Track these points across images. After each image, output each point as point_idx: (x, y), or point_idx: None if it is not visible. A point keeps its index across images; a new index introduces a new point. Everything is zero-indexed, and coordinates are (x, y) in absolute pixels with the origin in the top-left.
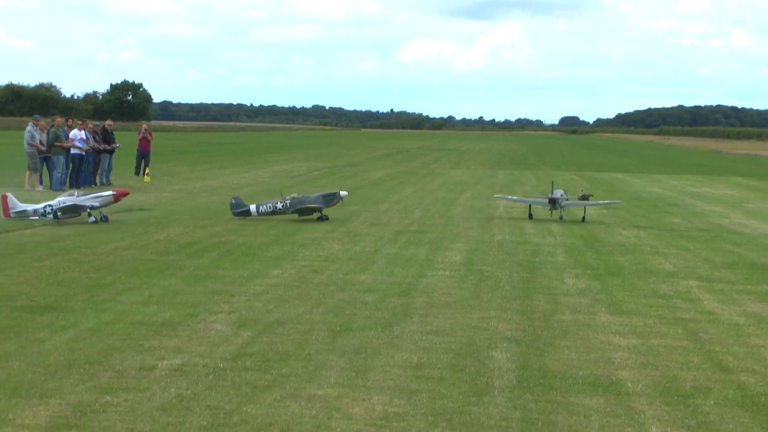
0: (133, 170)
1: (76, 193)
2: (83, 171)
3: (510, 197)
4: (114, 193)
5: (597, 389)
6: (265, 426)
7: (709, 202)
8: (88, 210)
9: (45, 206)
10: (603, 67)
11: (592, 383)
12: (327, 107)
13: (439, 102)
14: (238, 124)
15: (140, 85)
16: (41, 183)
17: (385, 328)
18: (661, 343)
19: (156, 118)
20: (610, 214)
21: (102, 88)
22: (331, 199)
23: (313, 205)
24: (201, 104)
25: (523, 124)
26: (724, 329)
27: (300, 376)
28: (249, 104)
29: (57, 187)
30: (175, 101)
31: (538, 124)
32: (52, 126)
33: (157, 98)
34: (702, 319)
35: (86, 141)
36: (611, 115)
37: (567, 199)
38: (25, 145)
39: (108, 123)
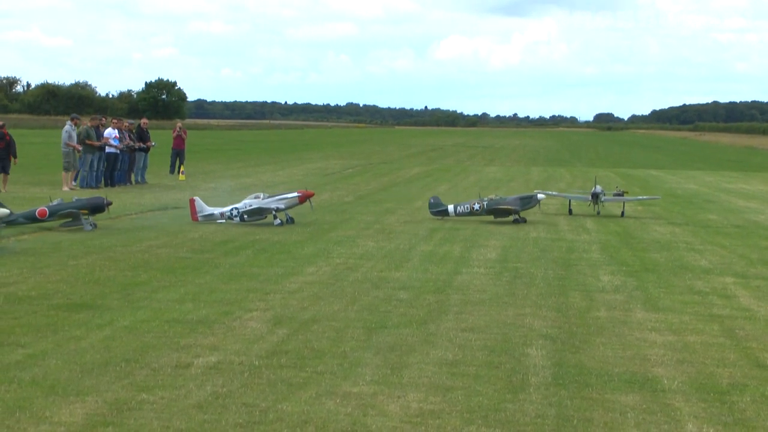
0: (168, 168)
1: (261, 195)
2: (118, 169)
3: (550, 192)
4: (299, 194)
5: (633, 386)
6: (300, 423)
7: (745, 198)
8: (274, 212)
9: (231, 209)
10: (638, 64)
11: (627, 380)
12: (361, 105)
13: (473, 99)
14: (272, 122)
15: (175, 84)
16: (75, 181)
17: (420, 326)
18: (697, 340)
19: (190, 117)
20: (645, 211)
21: (137, 86)
22: (528, 201)
23: (509, 207)
24: (235, 102)
25: (557, 121)
26: (761, 326)
27: (335, 373)
28: (283, 102)
29: (85, 185)
30: (209, 99)
31: (572, 121)
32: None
33: (191, 97)
34: (738, 316)
35: (121, 140)
36: (646, 112)
37: (605, 195)
38: (62, 145)
39: (143, 121)
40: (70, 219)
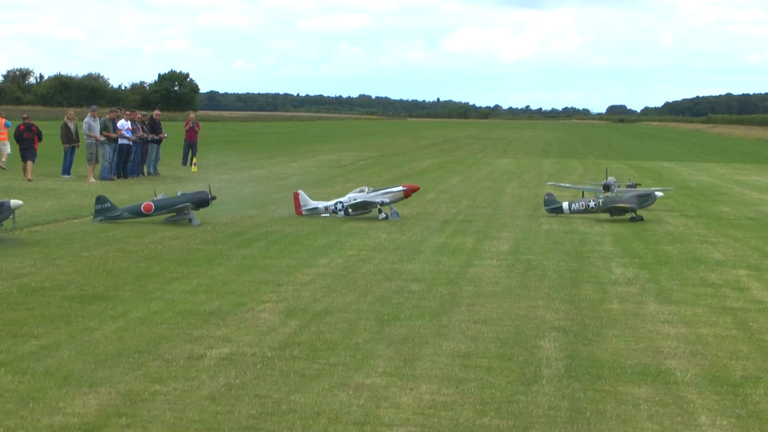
0: (181, 160)
1: (366, 189)
2: (131, 161)
3: (563, 184)
4: (404, 188)
5: (646, 378)
6: (313, 415)
7: (758, 190)
8: (379, 206)
9: (336, 203)
10: (651, 56)
11: (640, 372)
12: (373, 97)
13: (485, 91)
14: (284, 114)
15: (187, 75)
16: (64, 172)
17: (433, 318)
18: (710, 333)
19: (203, 108)
20: (658, 203)
21: (149, 78)
22: (646, 199)
23: (625, 205)
24: (248, 94)
25: (570, 113)
26: None
27: (348, 365)
28: (296, 94)
29: (104, 176)
30: (222, 91)
31: (585, 113)
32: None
33: (204, 88)
34: (751, 308)
35: (133, 131)
36: (659, 104)
37: (618, 186)
38: (84, 137)
39: (156, 113)
40: (175, 214)
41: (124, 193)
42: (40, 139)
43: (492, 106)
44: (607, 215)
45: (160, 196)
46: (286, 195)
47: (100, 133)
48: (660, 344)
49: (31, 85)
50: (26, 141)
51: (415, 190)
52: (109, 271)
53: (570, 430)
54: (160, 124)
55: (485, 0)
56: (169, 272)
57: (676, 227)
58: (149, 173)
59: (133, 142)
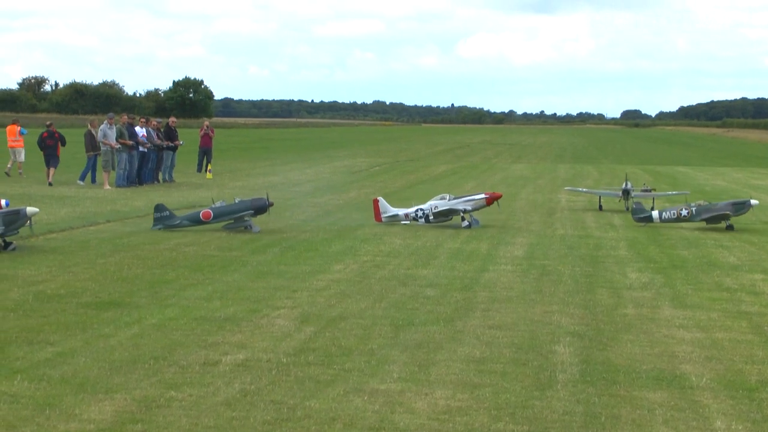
0: (195, 167)
1: (447, 197)
2: (146, 168)
3: (580, 189)
4: (487, 195)
5: (661, 383)
6: (328, 420)
7: None
8: (461, 214)
9: (416, 210)
10: (666, 60)
11: (655, 377)
12: (388, 103)
13: (500, 96)
14: (299, 120)
15: (202, 82)
16: (93, 180)
17: (448, 323)
18: (725, 337)
19: (218, 115)
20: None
21: (164, 85)
22: (741, 207)
23: (722, 213)
24: (262, 101)
25: (584, 118)
26: None
27: (363, 370)
28: (310, 100)
29: (119, 183)
30: (236, 98)
31: (599, 118)
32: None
33: (218, 95)
34: (767, 313)
35: (148, 138)
36: (674, 108)
37: (634, 190)
38: (99, 144)
39: (172, 120)
40: (232, 221)
41: (139, 200)
42: (63, 145)
43: (506, 111)
44: (689, 223)
45: (218, 204)
46: (300, 201)
47: (116, 141)
48: (675, 349)
49: (47, 93)
50: (49, 148)
51: (497, 198)
52: (125, 278)
53: None
54: (175, 132)
55: (499, 5)
56: (184, 279)
57: (691, 231)
58: (164, 180)
59: (148, 149)
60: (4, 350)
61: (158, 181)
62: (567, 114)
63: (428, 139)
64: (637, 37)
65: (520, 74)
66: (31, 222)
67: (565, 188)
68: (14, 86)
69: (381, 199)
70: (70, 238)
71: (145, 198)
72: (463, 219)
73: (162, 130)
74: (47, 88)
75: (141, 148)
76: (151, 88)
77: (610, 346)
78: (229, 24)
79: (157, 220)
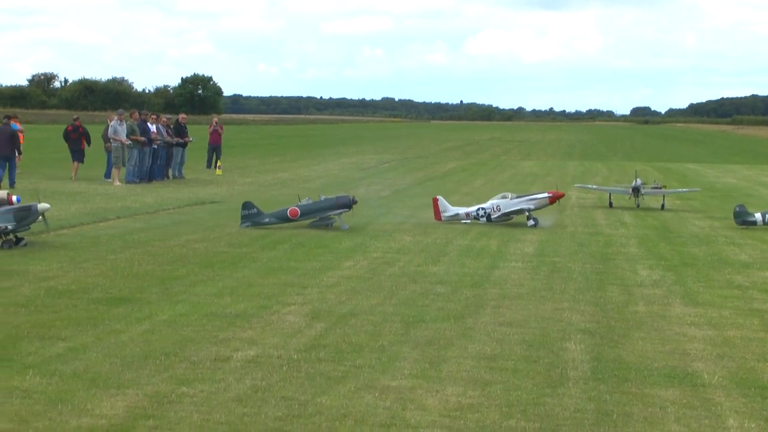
0: (205, 163)
1: (509, 195)
2: (156, 164)
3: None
4: (550, 194)
5: (673, 381)
6: (339, 417)
7: None
8: (526, 213)
9: (477, 209)
10: (675, 57)
11: (667, 375)
12: (396, 99)
13: (509, 93)
14: (308, 116)
15: (210, 79)
16: (108, 176)
17: (458, 320)
18: (737, 335)
19: (227, 112)
20: (683, 205)
21: (173, 82)
22: None
23: None
24: (271, 97)
25: (594, 115)
26: None
27: (374, 367)
28: (319, 97)
29: (129, 179)
30: (245, 95)
31: (609, 115)
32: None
33: (227, 92)
34: None
35: (158, 135)
36: (684, 105)
37: (644, 188)
38: (110, 140)
39: (182, 117)
40: (316, 219)
41: (150, 196)
42: (88, 141)
43: (515, 108)
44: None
45: (304, 201)
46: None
47: (127, 137)
48: (687, 346)
49: (56, 90)
50: (73, 141)
51: (560, 197)
52: (135, 274)
53: None
54: (185, 128)
55: (507, 2)
56: (194, 275)
57: (702, 229)
58: (174, 176)
59: (157, 145)
60: (16, 345)
61: (168, 177)
62: (576, 111)
63: (437, 136)
64: (647, 33)
65: (529, 71)
66: (45, 218)
67: (575, 185)
68: (24, 83)
69: (441, 198)
70: (81, 234)
71: (155, 194)
72: (528, 218)
73: (172, 126)
74: (57, 84)
75: (153, 145)
76: (160, 84)
77: (622, 344)
78: (238, 21)
79: (245, 218)
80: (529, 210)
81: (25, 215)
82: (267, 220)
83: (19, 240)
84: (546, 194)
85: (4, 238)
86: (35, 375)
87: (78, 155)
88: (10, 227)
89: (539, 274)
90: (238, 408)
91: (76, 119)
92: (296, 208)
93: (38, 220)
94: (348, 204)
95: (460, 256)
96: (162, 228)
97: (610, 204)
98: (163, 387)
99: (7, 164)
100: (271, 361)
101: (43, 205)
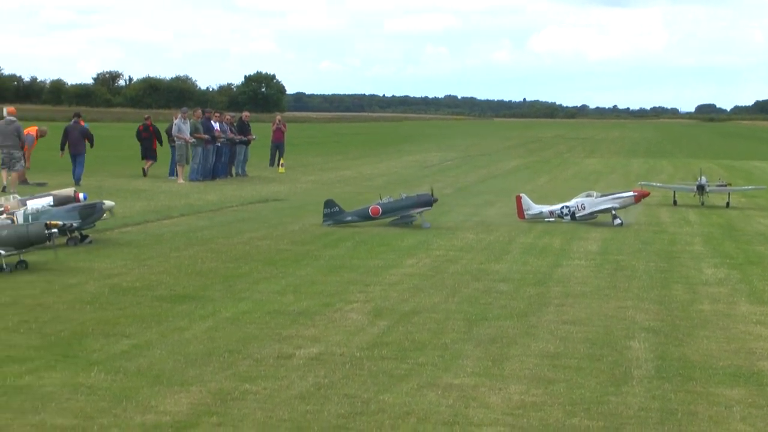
0: (268, 161)
1: (594, 194)
2: (220, 162)
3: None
4: (635, 193)
5: (738, 380)
6: (402, 415)
7: None
8: (612, 212)
9: (562, 207)
10: (741, 54)
11: (733, 374)
12: (459, 97)
13: (572, 91)
14: (370, 114)
15: (274, 77)
16: (172, 174)
17: (521, 318)
18: None
19: (290, 110)
20: (748, 203)
21: (236, 80)
22: None
23: None
24: (334, 95)
25: (658, 112)
26: None
27: (436, 365)
28: (382, 95)
29: (193, 177)
30: (308, 92)
31: (673, 112)
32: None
33: (290, 89)
34: None
35: (222, 132)
36: (749, 102)
37: (709, 186)
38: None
39: (245, 115)
40: (397, 217)
41: (213, 194)
42: (159, 140)
43: (579, 105)
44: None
45: (385, 200)
46: (372, 196)
47: (190, 135)
48: (752, 345)
49: (121, 88)
50: (144, 140)
51: (645, 195)
52: (199, 272)
53: (661, 431)
54: (248, 126)
55: None
56: (257, 272)
57: None
58: (237, 174)
59: (221, 143)
60: (82, 342)
61: (231, 175)
62: (640, 108)
63: (500, 133)
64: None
65: (593, 68)
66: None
67: (639, 183)
68: (89, 81)
69: (524, 196)
70: (145, 231)
71: (218, 192)
72: (615, 217)
73: (235, 124)
74: (121, 82)
75: (217, 143)
76: (224, 82)
77: (686, 342)
78: (302, 19)
79: (327, 216)
80: (614, 209)
81: (91, 212)
82: (349, 218)
83: (84, 237)
84: (631, 193)
85: (69, 236)
86: (100, 372)
87: (149, 153)
88: (75, 225)
89: (603, 272)
90: (301, 405)
91: (147, 119)
92: (378, 206)
93: (104, 217)
94: (429, 202)
95: (523, 253)
96: (225, 225)
97: (675, 202)
98: (227, 384)
99: (75, 161)
100: (334, 359)
101: (108, 203)
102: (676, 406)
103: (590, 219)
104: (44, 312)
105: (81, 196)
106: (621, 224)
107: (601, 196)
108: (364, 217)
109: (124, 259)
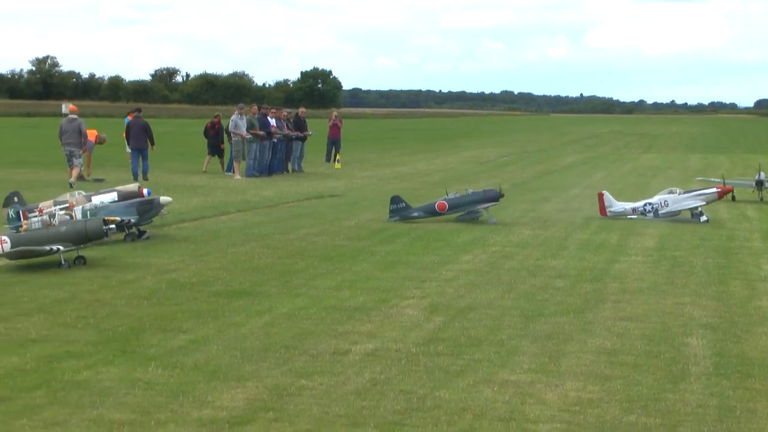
0: (324, 157)
1: (677, 191)
2: (276, 158)
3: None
4: (718, 189)
5: None
6: (458, 411)
7: None
8: (698, 209)
9: (644, 204)
10: None
11: None
12: (516, 93)
13: (629, 86)
14: (427, 110)
15: (330, 73)
16: (229, 170)
17: (578, 314)
18: None
19: (346, 105)
20: None
21: (293, 76)
22: None
23: None
24: (390, 91)
25: (716, 108)
26: None
27: (492, 361)
28: (438, 90)
29: (249, 173)
30: (364, 88)
31: (732, 107)
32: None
33: (347, 85)
34: None
35: (278, 128)
36: None
37: None
38: (231, 134)
39: (301, 111)
40: (463, 213)
41: (269, 190)
42: (228, 137)
43: (636, 101)
44: None
45: (451, 195)
46: (428, 192)
47: (247, 131)
48: None
49: (178, 84)
50: (212, 138)
51: (728, 191)
52: (255, 267)
53: (719, 428)
54: (305, 122)
55: None
56: (313, 268)
57: None
58: (293, 170)
59: (277, 139)
60: (139, 337)
61: (288, 171)
62: (698, 103)
63: (557, 129)
64: None
65: (651, 63)
66: (162, 210)
67: (697, 178)
68: (147, 77)
69: (606, 193)
70: (202, 227)
71: (274, 188)
72: (701, 213)
73: (291, 120)
74: (178, 79)
75: (273, 139)
76: (280, 78)
77: (745, 339)
78: (359, 15)
79: (393, 212)
80: (699, 206)
81: (148, 208)
82: (415, 214)
83: (141, 233)
84: (714, 189)
85: (127, 231)
86: (157, 367)
87: (215, 151)
88: (133, 221)
89: (660, 269)
90: (357, 401)
91: (216, 116)
92: (444, 201)
93: (161, 213)
94: (496, 197)
95: (579, 249)
96: (282, 221)
97: (733, 197)
98: (283, 380)
99: (141, 156)
100: (390, 355)
101: (165, 198)
102: (735, 404)
103: (673, 216)
104: (102, 307)
105: (145, 191)
106: (707, 221)
107: (684, 192)
108: (431, 212)
109: (181, 255)
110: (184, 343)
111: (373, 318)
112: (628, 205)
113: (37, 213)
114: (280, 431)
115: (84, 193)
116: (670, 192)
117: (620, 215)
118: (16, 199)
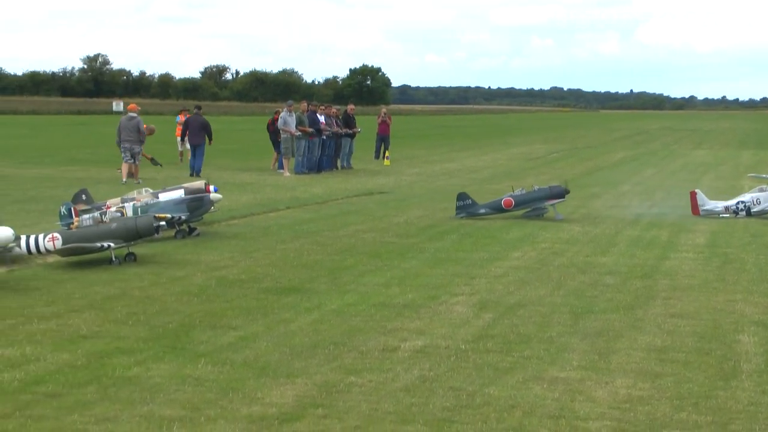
0: (373, 154)
1: None
2: (325, 155)
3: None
4: None
5: None
6: (507, 408)
7: None
8: None
9: (737, 203)
10: None
11: None
12: (565, 89)
13: (680, 82)
14: (475, 107)
15: (379, 70)
16: (280, 167)
17: (628, 311)
18: None
19: (395, 102)
20: None
21: (342, 73)
22: None
23: None
24: (439, 87)
25: None
26: None
27: (542, 358)
28: (487, 87)
29: (298, 170)
30: (413, 85)
31: None
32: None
33: (395, 82)
34: None
35: (328, 125)
36: None
37: None
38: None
39: (350, 108)
40: (529, 209)
41: (318, 187)
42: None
43: (686, 97)
44: None
45: (518, 192)
46: (478, 188)
47: (296, 128)
48: None
49: (228, 81)
50: (272, 134)
51: None
52: (304, 264)
53: None
54: (353, 119)
55: None
56: (362, 265)
57: None
58: (343, 167)
59: (327, 136)
60: (189, 334)
61: (336, 168)
62: (750, 99)
63: (606, 125)
64: None
65: (702, 59)
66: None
67: (749, 175)
68: (197, 75)
69: (699, 192)
70: (251, 224)
71: (323, 185)
72: None
73: (340, 117)
74: (228, 76)
75: (322, 136)
76: (329, 75)
77: None
78: (408, 12)
79: (459, 209)
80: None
81: (198, 205)
82: (482, 210)
83: (192, 230)
84: None
85: (177, 228)
86: (207, 363)
87: (276, 146)
88: (183, 217)
89: (711, 265)
90: (406, 398)
91: (277, 112)
92: (511, 198)
93: (212, 210)
94: (562, 194)
95: (629, 246)
96: (331, 218)
97: None
98: (332, 376)
99: (195, 152)
100: (439, 352)
101: (215, 195)
102: None
103: (766, 214)
104: (152, 304)
105: (212, 188)
106: None
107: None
108: (497, 209)
109: (230, 252)
110: (234, 339)
111: (422, 315)
112: (721, 204)
113: (104, 209)
114: (329, 428)
115: (151, 191)
116: (761, 190)
117: (712, 214)
118: (84, 196)
